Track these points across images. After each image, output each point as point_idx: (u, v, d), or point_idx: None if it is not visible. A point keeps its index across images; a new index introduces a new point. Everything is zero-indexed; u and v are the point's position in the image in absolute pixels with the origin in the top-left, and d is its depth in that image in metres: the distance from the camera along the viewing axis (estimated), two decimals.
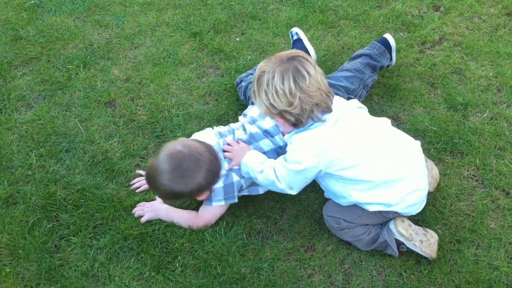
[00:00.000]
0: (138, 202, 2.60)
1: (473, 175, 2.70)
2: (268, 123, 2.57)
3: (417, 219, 2.51)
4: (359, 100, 2.78)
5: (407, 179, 2.30)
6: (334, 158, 2.21)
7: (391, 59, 3.03)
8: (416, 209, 2.40)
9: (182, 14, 3.59)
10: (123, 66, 3.26)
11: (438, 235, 2.43)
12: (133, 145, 2.85)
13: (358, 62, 2.92)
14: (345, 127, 2.22)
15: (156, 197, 2.60)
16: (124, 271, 2.39)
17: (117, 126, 2.94)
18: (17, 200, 2.62)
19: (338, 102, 2.29)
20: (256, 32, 3.47)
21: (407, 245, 2.37)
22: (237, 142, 2.53)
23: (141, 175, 2.71)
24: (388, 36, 3.02)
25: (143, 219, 2.52)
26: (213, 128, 2.65)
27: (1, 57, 3.31)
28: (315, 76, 2.15)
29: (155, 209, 2.56)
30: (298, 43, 3.12)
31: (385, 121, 2.43)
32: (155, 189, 2.40)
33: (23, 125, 2.94)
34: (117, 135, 2.89)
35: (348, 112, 2.27)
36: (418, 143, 2.45)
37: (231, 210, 2.57)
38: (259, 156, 2.43)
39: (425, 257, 2.38)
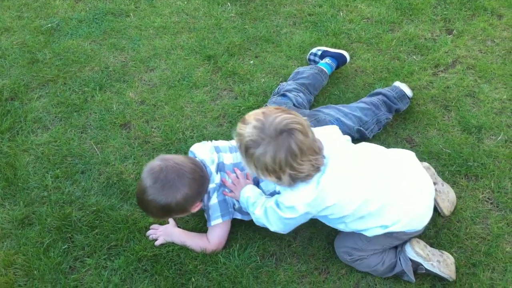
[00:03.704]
0: (152, 224, 2.62)
1: (488, 198, 2.68)
2: None
3: (432, 242, 2.49)
4: (369, 135, 2.82)
5: (398, 200, 2.25)
6: (325, 207, 2.18)
7: (408, 103, 3.02)
8: (418, 224, 2.33)
9: (197, 37, 3.63)
10: (138, 89, 3.30)
11: (453, 258, 2.41)
12: None
13: (376, 98, 2.93)
14: (332, 173, 2.13)
15: (169, 220, 2.61)
16: None
17: (132, 147, 2.97)
18: (32, 221, 2.64)
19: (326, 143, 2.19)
20: (269, 55, 3.50)
21: (425, 266, 2.34)
22: (246, 176, 2.50)
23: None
24: (404, 87, 3.02)
25: (157, 243, 2.53)
26: (211, 141, 2.62)
27: (18, 80, 3.36)
28: (308, 145, 2.04)
29: (168, 233, 2.56)
30: (327, 53, 3.25)
31: (366, 147, 2.38)
32: (145, 209, 2.40)
33: (39, 147, 2.97)
34: (132, 156, 2.92)
35: (332, 153, 2.16)
36: (412, 154, 2.41)
37: (245, 232, 2.58)
38: (251, 196, 2.39)
39: (442, 280, 2.37)
